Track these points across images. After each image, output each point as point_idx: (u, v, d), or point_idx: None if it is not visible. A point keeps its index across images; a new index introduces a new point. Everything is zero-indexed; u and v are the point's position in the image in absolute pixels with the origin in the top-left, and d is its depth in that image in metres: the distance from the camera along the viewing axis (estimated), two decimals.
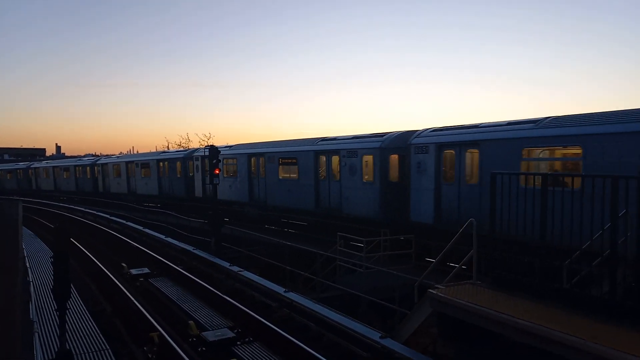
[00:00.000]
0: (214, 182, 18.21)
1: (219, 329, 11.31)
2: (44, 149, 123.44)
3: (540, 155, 13.30)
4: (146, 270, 17.12)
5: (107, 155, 61.83)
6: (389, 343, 9.01)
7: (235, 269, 15.97)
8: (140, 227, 26.98)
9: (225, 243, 20.09)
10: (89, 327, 11.27)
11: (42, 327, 11.02)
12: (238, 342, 10.47)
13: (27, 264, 17.43)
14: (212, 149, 18.18)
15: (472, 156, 15.06)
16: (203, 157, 27.83)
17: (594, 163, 11.29)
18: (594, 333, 6.03)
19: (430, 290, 8.23)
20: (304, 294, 13.84)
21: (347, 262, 15.81)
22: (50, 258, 8.33)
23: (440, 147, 15.69)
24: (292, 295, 12.62)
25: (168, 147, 62.95)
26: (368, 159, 18.75)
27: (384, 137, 18.68)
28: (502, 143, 13.64)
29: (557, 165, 13.57)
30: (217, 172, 18.19)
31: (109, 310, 13.21)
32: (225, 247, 19.89)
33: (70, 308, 11.72)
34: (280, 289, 13.28)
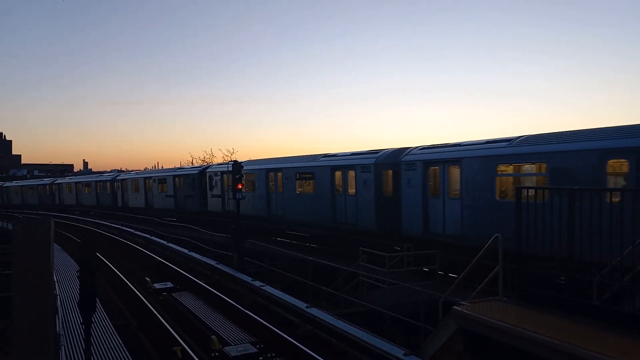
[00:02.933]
0: (238, 196, 18.32)
1: (241, 344, 11.29)
2: (72, 164, 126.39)
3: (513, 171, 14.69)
4: (169, 284, 17.24)
5: (126, 171, 64.41)
6: None
7: (258, 283, 15.96)
8: (164, 242, 27.24)
9: (247, 257, 20.14)
10: (113, 340, 11.37)
11: (68, 341, 11.15)
12: (260, 358, 10.43)
13: (55, 278, 17.73)
14: (236, 165, 18.34)
15: (454, 172, 16.39)
16: (215, 172, 31.05)
17: (557, 178, 12.49)
18: (626, 351, 5.83)
19: (455, 307, 8.07)
20: (327, 309, 13.73)
21: (370, 278, 15.68)
22: (77, 272, 8.46)
23: (427, 164, 17.15)
24: (314, 311, 12.52)
25: (192, 162, 63.78)
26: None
27: (378, 153, 19.83)
28: (480, 160, 15.09)
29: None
30: (240, 187, 18.32)
31: (133, 324, 13.31)
32: (247, 261, 19.93)
33: (95, 322, 11.86)
34: (302, 305, 13.20)
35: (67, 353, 10.37)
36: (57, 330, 11.30)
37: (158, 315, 13.16)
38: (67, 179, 64.32)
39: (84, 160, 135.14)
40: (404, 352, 9.12)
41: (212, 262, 20.19)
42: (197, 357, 10.10)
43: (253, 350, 10.72)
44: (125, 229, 33.75)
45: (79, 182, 57.64)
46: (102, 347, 10.91)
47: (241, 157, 54.86)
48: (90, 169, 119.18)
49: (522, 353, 7.07)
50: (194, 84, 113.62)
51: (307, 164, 23.44)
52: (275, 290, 15.19)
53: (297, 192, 24.06)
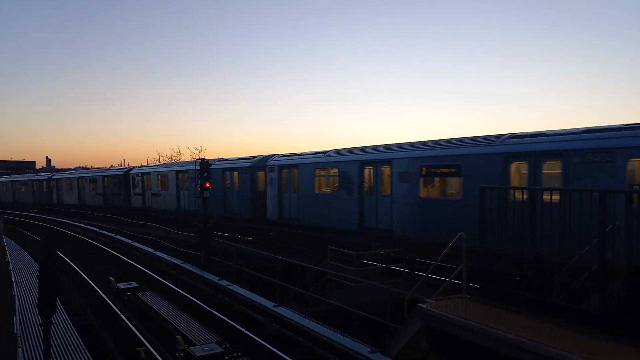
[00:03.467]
0: (205, 195, 18.10)
1: (207, 344, 11.14)
2: (34, 162, 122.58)
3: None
4: (134, 284, 16.90)
5: (62, 171, 66.78)
6: (378, 358, 8.91)
7: (224, 283, 15.80)
8: (130, 241, 26.71)
9: (215, 257, 19.93)
10: (74, 342, 11.06)
11: (27, 342, 10.79)
12: (226, 357, 10.31)
13: (13, 278, 17.15)
14: (204, 163, 18.11)
15: (295, 173, 22.47)
16: (137, 174, 38.20)
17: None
18: (587, 348, 6.01)
19: (420, 304, 8.19)
20: (295, 308, 13.70)
21: (338, 276, 15.74)
22: (36, 271, 8.20)
23: (280, 168, 23.22)
24: (281, 310, 12.48)
25: (159, 160, 62.82)
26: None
27: (254, 159, 25.78)
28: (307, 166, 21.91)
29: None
30: (208, 185, 18.09)
31: (95, 324, 12.99)
32: (215, 261, 19.72)
33: (55, 322, 11.50)
34: (269, 304, 13.13)
35: (26, 355, 10.03)
36: (15, 331, 10.94)
37: (122, 315, 12.88)
38: (3, 178, 69.62)
39: (46, 157, 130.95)
40: (369, 349, 9.17)
41: (178, 262, 19.89)
42: (161, 358, 9.91)
43: (219, 349, 10.60)
44: (90, 227, 33.02)
45: (16, 180, 63.39)
46: (63, 349, 10.60)
47: (210, 155, 54.26)
48: (54, 166, 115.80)
49: (485, 350, 7.22)
50: (168, 82, 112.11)
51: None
52: (242, 289, 15.07)
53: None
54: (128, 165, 67.23)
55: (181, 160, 51.72)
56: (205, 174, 17.70)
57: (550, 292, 8.29)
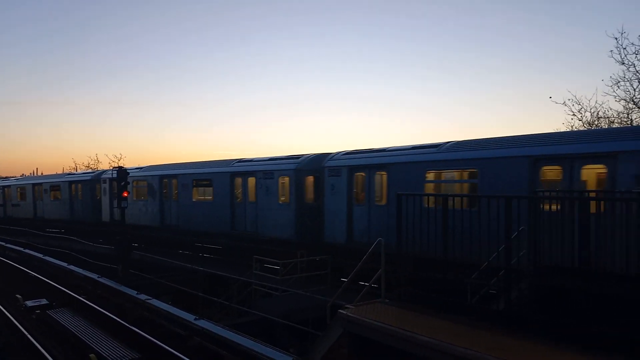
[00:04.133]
0: (123, 205, 17.31)
1: None
2: None
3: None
4: (44, 301, 15.82)
5: None
6: None
7: (143, 297, 15.17)
8: (41, 255, 25.00)
9: (134, 270, 19.08)
10: None
11: None
12: None
13: None
14: (121, 172, 17.34)
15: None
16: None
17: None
18: (492, 345, 6.29)
19: (340, 310, 8.24)
20: (219, 320, 13.40)
21: (263, 286, 15.58)
22: None
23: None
24: (203, 323, 12.15)
25: (76, 168, 59.57)
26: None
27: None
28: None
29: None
30: (126, 194, 17.33)
31: None
32: (134, 274, 18.87)
33: None
34: (190, 317, 12.75)
35: None
36: None
37: (28, 335, 12.00)
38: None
39: None
40: (291, 358, 9.12)
41: (94, 276, 18.86)
42: None
43: None
44: None
45: None
46: None
47: (130, 163, 52.15)
48: None
49: (402, 353, 7.37)
50: (87, 86, 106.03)
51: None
52: (162, 303, 14.54)
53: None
54: (42, 173, 63.03)
55: (100, 168, 49.12)
56: (123, 183, 16.94)
57: (465, 294, 8.67)
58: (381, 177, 15.67)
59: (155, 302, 14.60)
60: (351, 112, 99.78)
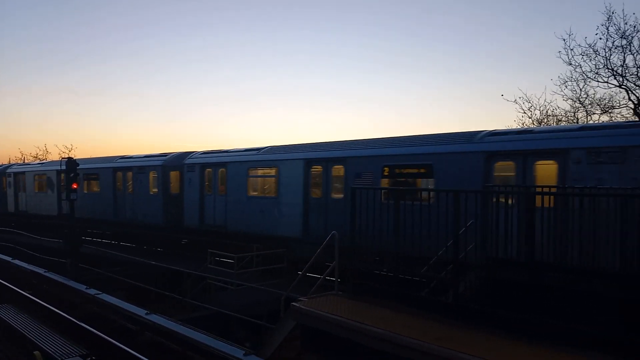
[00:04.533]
0: (72, 197, 16.74)
1: (69, 357, 10.27)
2: None
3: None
4: None
5: None
6: None
7: (93, 291, 14.72)
8: None
9: (84, 264, 18.53)
10: None
11: None
12: None
13: None
14: (70, 163, 16.74)
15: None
16: None
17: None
18: (439, 335, 6.44)
19: (294, 303, 8.26)
20: (172, 315, 13.17)
21: (218, 280, 15.45)
22: None
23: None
24: (154, 318, 11.90)
25: (23, 159, 57.23)
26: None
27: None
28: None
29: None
30: (76, 186, 16.76)
31: None
32: (84, 268, 18.32)
33: None
34: (142, 312, 12.47)
35: None
36: None
37: None
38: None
39: None
40: (244, 352, 9.07)
41: (41, 270, 18.16)
42: None
43: None
44: None
45: None
46: None
47: (82, 154, 50.52)
48: None
49: (354, 345, 7.45)
50: (39, 75, 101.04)
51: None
52: (112, 297, 14.14)
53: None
54: None
55: (48, 160, 47.42)
56: (72, 175, 16.38)
57: (417, 286, 8.84)
58: (223, 173, 19.48)
59: (105, 297, 14.20)
60: (310, 106, 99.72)
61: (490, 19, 70.75)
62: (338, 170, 15.22)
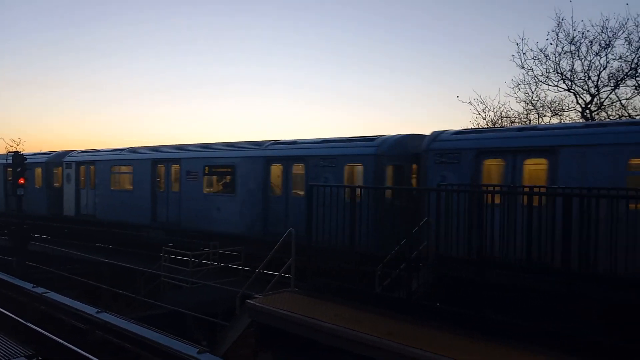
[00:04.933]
0: (18, 192, 16.10)
1: (14, 358, 9.88)
2: None
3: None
4: None
5: None
6: (206, 358, 8.74)
7: (40, 290, 14.20)
8: None
9: (32, 262, 17.85)
10: None
11: None
12: None
13: None
14: (17, 157, 16.09)
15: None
16: None
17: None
18: (391, 331, 6.56)
19: (248, 300, 8.23)
20: (126, 314, 12.87)
21: (173, 278, 15.19)
22: None
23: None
24: (105, 316, 11.59)
25: None
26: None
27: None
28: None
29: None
30: (22, 181, 16.12)
31: None
32: (32, 266, 17.66)
33: None
34: (92, 310, 12.13)
35: None
36: None
37: None
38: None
39: None
40: (197, 350, 8.96)
41: None
42: None
43: None
44: None
45: None
46: None
47: (32, 148, 48.68)
48: None
49: (309, 341, 7.49)
50: None
51: None
52: (61, 296, 13.68)
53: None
54: None
55: None
56: (19, 169, 15.75)
57: (372, 283, 8.96)
58: (89, 168, 22.83)
59: (54, 296, 13.72)
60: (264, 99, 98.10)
61: (449, 22, 72.32)
62: (176, 168, 19.24)
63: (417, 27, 77.36)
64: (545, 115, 24.84)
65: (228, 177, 17.53)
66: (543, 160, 10.74)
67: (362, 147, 14.02)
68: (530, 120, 25.15)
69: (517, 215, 7.37)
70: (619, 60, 21.64)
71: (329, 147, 14.80)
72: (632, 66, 21.28)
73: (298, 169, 15.38)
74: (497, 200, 8.25)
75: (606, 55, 21.77)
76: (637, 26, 20.61)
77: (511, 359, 5.74)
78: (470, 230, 7.51)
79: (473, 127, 25.19)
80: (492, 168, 11.78)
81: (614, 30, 21.27)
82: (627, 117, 21.62)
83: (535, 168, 11.23)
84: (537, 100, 24.72)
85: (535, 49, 24.27)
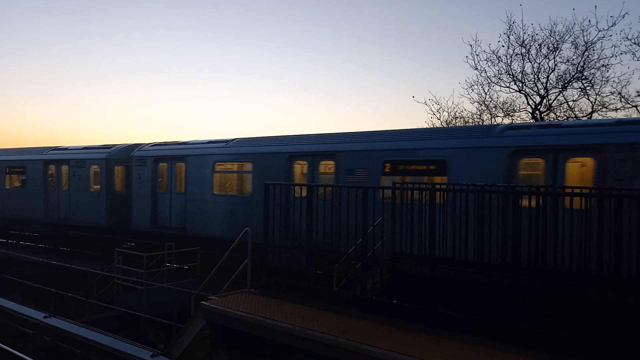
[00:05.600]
0: None
1: None
2: None
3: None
4: None
5: None
6: None
7: None
8: None
9: None
10: None
11: None
12: None
13: None
14: None
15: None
16: None
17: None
18: (346, 328, 6.59)
19: (203, 302, 8.10)
20: (76, 317, 12.44)
21: (126, 280, 14.77)
22: None
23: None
24: (53, 321, 11.20)
25: None
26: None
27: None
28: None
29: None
30: None
31: None
32: None
33: None
34: (39, 315, 11.68)
35: None
36: None
37: None
38: None
39: None
40: (151, 353, 8.78)
41: None
42: None
43: None
44: None
45: None
46: None
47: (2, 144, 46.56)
48: None
49: (265, 341, 7.44)
50: None
51: None
52: (6, 300, 13.13)
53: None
54: None
55: None
56: None
57: (330, 281, 8.98)
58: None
59: None
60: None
61: (405, 21, 73.35)
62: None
63: (377, 24, 78.24)
64: (497, 116, 25.60)
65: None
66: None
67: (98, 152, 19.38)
68: (483, 121, 25.87)
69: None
70: (567, 63, 22.55)
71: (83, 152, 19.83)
72: (578, 69, 22.21)
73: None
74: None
75: (554, 58, 22.65)
76: (582, 30, 21.52)
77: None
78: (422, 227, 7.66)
79: (429, 126, 25.63)
80: (162, 168, 17.62)
81: (562, 34, 22.16)
82: (574, 119, 22.54)
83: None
84: (490, 101, 25.45)
85: (488, 50, 24.97)
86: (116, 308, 12.96)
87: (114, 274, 14.86)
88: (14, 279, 15.76)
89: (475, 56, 24.35)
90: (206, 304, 7.96)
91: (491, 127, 11.89)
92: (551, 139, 10.25)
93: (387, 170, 12.24)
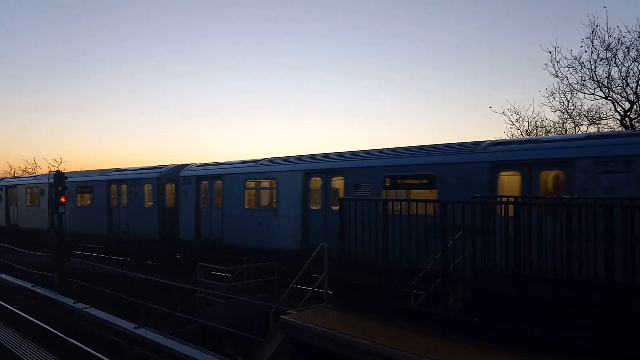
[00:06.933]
0: (60, 211, 16.61)
1: None
2: None
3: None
4: None
5: None
6: None
7: (80, 306, 14.56)
8: None
9: (73, 278, 18.32)
10: None
11: None
12: None
13: None
14: (58, 176, 16.63)
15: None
16: None
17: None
18: (428, 347, 6.42)
19: (282, 315, 8.21)
20: (161, 329, 13.03)
21: (208, 294, 15.31)
22: None
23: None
24: (142, 332, 11.78)
25: (13, 173, 56.88)
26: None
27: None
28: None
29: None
30: (64, 200, 16.63)
31: None
32: (72, 282, 18.12)
33: None
34: (130, 326, 12.34)
35: None
36: None
37: None
38: None
39: None
40: None
41: (27, 285, 17.94)
42: None
43: None
44: None
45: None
46: None
47: (72, 168, 50.40)
48: None
49: (344, 358, 7.41)
50: (17, 91, 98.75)
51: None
52: (99, 311, 14.00)
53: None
54: None
55: (37, 173, 46.97)
56: (60, 188, 16.26)
57: (408, 299, 8.81)
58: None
59: (93, 311, 14.05)
60: (304, 119, 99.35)
61: (478, 32, 71.68)
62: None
63: (448, 37, 76.97)
64: (582, 124, 24.22)
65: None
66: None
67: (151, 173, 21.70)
68: (566, 130, 24.56)
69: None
70: None
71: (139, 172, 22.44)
72: None
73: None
74: None
75: None
76: None
77: None
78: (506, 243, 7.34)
79: (507, 137, 24.66)
80: (204, 186, 19.41)
81: None
82: None
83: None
84: (573, 109, 24.13)
85: (569, 56, 23.75)
86: (199, 321, 13.43)
87: (196, 287, 15.46)
88: (107, 291, 16.80)
89: (556, 63, 23.25)
90: (285, 318, 8.06)
91: (477, 143, 12.61)
92: (526, 154, 11.13)
93: (387, 185, 13.48)
